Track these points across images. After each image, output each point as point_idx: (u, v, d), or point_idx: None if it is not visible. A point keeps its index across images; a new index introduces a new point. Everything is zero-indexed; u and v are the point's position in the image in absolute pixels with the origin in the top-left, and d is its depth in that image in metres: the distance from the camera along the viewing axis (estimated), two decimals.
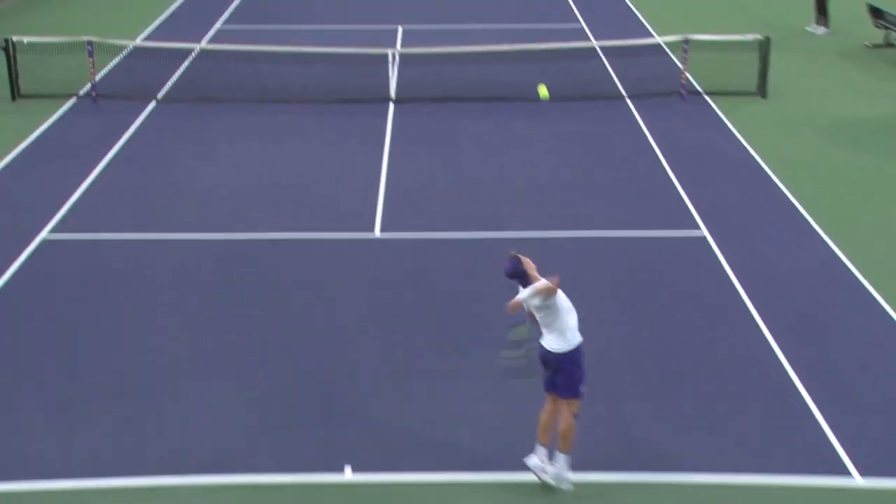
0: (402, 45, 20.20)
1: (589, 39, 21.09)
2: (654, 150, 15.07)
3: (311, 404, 8.80)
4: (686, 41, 17.65)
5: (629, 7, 24.55)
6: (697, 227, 12.40)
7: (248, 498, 7.66)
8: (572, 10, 24.19)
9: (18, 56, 16.94)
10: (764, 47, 17.41)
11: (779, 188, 13.60)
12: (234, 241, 11.95)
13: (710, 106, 17.08)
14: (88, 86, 17.08)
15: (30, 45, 17.28)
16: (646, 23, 22.84)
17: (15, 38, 17.06)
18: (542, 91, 8.04)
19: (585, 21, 22.98)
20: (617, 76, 18.63)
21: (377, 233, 12.26)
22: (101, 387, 9.01)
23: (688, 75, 17.63)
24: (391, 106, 16.90)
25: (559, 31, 21.85)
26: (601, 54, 19.54)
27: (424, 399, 8.93)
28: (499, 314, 10.24)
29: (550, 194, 13.46)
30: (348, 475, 7.88)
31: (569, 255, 11.69)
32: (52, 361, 9.39)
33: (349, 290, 10.87)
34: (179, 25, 22.11)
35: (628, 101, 17.32)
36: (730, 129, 15.94)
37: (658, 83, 17.89)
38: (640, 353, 9.71)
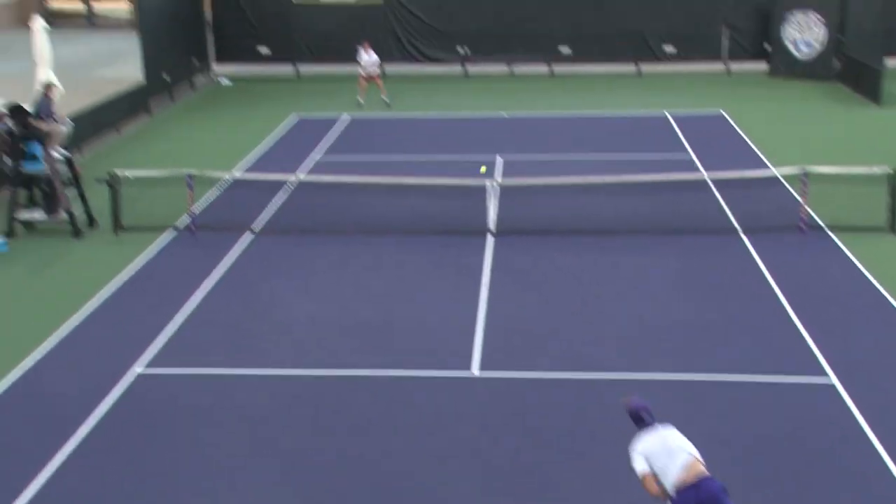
0: (502, 176, 20.63)
1: (698, 170, 21.17)
2: (772, 287, 14.87)
3: None
4: (805, 173, 17.55)
5: (742, 137, 24.60)
6: (825, 374, 12.12)
7: None
8: (680, 139, 24.38)
9: (121, 190, 17.87)
10: (893, 180, 17.12)
11: None
12: (327, 378, 12.22)
13: (833, 241, 16.78)
14: (187, 218, 17.90)
15: (132, 178, 18.20)
16: (760, 154, 22.79)
17: (118, 172, 18.04)
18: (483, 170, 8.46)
19: (695, 151, 23.08)
20: (730, 209, 18.55)
21: (475, 371, 12.37)
22: None
23: (808, 209, 17.45)
24: (489, 238, 17.20)
25: (666, 161, 21.98)
26: (712, 186, 19.53)
27: None
28: (610, 458, 10.24)
29: (659, 334, 13.40)
30: None
31: (674, 401, 11.52)
32: (139, 498, 9.65)
33: (446, 432, 10.94)
34: (278, 156, 23.09)
35: (742, 236, 17.17)
36: (857, 267, 15.62)
37: (775, 217, 17.73)
38: None
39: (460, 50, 33.63)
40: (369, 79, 28.68)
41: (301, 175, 20.37)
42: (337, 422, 11.20)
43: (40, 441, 10.74)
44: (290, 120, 27.18)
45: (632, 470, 7.84)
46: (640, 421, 7.72)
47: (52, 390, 11.97)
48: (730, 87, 31.37)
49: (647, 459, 7.59)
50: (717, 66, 33.64)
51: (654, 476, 7.70)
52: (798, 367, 12.37)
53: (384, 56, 33.13)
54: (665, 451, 7.62)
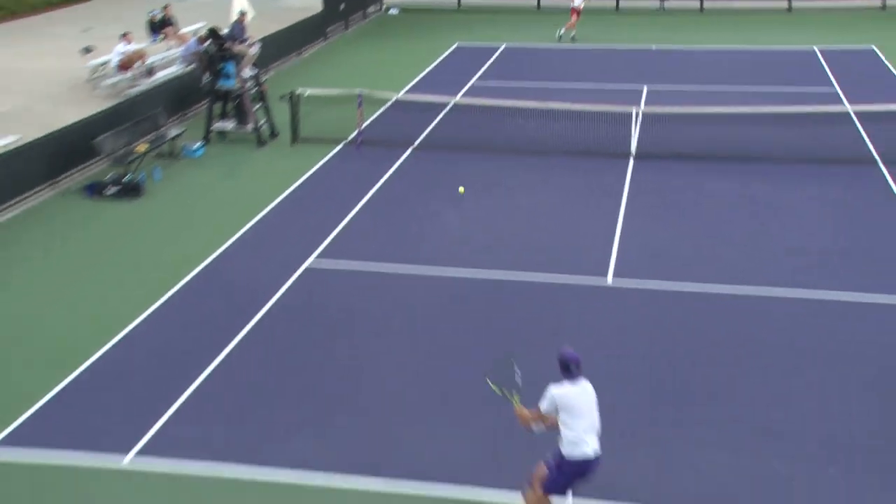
0: (647, 104, 20.37)
1: (842, 104, 20.35)
2: None
3: (534, 441, 9.22)
4: None
5: (891, 72, 23.41)
6: None
7: None
8: (827, 74, 23.37)
9: (299, 106, 18.57)
10: None
11: None
12: (475, 280, 12.59)
13: None
14: (355, 133, 18.50)
15: (310, 96, 18.82)
16: None
17: (298, 91, 18.74)
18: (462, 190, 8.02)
19: (840, 85, 22.12)
20: (871, 141, 17.79)
21: (609, 280, 12.56)
22: (344, 398, 9.89)
23: None
24: (631, 161, 17.14)
25: (811, 94, 21.18)
26: (855, 119, 18.79)
27: (650, 441, 9.12)
28: (732, 366, 10.32)
29: (788, 254, 13.20)
30: (569, 502, 8.18)
31: (801, 318, 11.46)
32: (307, 370, 10.40)
33: (580, 333, 11.17)
34: (439, 80, 23.38)
35: (882, 167, 16.57)
36: None
37: None
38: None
39: None
40: (576, 13, 27.96)
41: (458, 98, 20.59)
42: (480, 317, 11.60)
43: (228, 316, 11.59)
44: (451, 48, 27.38)
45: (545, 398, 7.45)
46: (568, 371, 7.38)
47: (238, 276, 12.80)
48: (885, 22, 29.60)
49: (558, 407, 7.31)
50: (871, 1, 31.74)
51: (544, 418, 7.48)
52: None
53: None
54: (578, 413, 7.30)
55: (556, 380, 10.02)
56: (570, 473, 7.43)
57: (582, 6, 27.92)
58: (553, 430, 7.45)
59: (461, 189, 8.21)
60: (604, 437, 9.02)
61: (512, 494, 8.16)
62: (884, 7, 31.59)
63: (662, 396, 9.88)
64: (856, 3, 31.73)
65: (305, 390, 10.03)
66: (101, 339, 11.07)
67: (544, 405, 7.40)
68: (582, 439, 7.33)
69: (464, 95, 21.42)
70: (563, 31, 28.12)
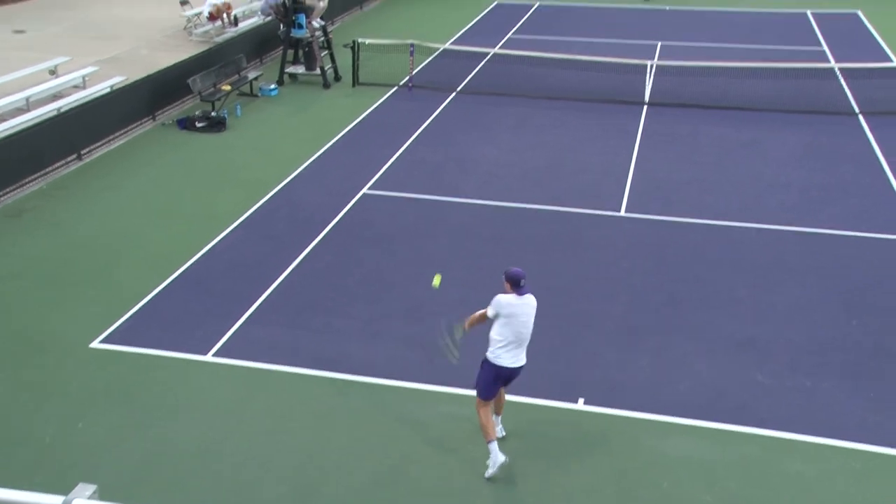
0: (660, 58, 19.47)
1: (829, 61, 19.34)
2: (880, 162, 13.67)
3: (554, 343, 8.87)
4: None
5: (872, 34, 22.19)
6: None
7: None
8: (817, 35, 22.20)
9: (360, 53, 17.95)
10: None
11: None
12: (505, 208, 12.16)
13: None
14: (407, 78, 17.85)
15: (369, 45, 18.18)
16: (887, 48, 20.55)
17: (359, 40, 18.08)
18: (436, 282, 7.39)
19: (828, 45, 21.03)
20: (853, 95, 16.94)
21: (623, 212, 12.03)
22: (398, 310, 9.57)
23: None
24: (644, 108, 16.40)
25: (802, 52, 20.22)
26: (839, 75, 17.86)
27: (651, 350, 8.75)
28: (724, 287, 9.86)
29: (777, 192, 12.59)
30: (580, 405, 7.91)
31: (784, 247, 10.94)
32: (363, 286, 10.07)
33: (597, 256, 10.79)
34: (481, 33, 22.54)
35: (860, 118, 15.74)
36: None
37: (893, 103, 16.10)
38: (851, 337, 8.95)
39: None
40: None
41: (497, 49, 19.84)
42: (512, 240, 11.20)
43: (295, 234, 11.28)
44: (492, 5, 26.31)
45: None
46: (517, 284, 6.86)
47: (304, 200, 12.44)
48: None
49: (501, 315, 6.81)
50: None
51: (480, 320, 7.03)
52: (894, 225, 11.42)
53: None
54: (513, 323, 6.79)
55: (570, 288, 9.79)
56: (489, 375, 6.95)
57: None
58: (476, 327, 7.10)
59: (436, 281, 7.60)
60: (613, 345, 8.73)
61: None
62: None
63: (664, 307, 9.48)
64: None
65: (359, 301, 9.71)
66: (189, 251, 10.81)
67: (490, 310, 6.92)
68: (502, 350, 6.85)
69: (501, 47, 20.64)
70: None
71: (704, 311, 9.49)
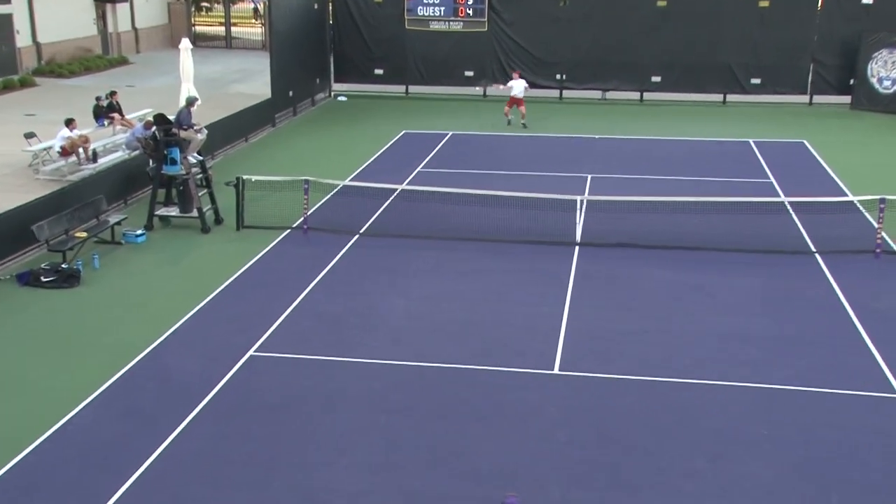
0: (591, 192, 20.53)
1: (778, 195, 20.77)
2: (844, 307, 14.50)
3: None
4: (883, 201, 17.01)
5: (822, 166, 24.00)
6: (893, 391, 11.80)
7: None
8: (762, 166, 23.90)
9: (245, 192, 18.36)
10: None
11: None
12: (418, 368, 12.33)
13: None
14: (301, 220, 18.28)
15: (256, 182, 18.65)
16: (839, 181, 22.24)
17: (244, 177, 18.54)
18: None
19: (776, 177, 22.62)
20: (807, 232, 18.11)
21: (556, 369, 12.35)
22: (290, 488, 9.43)
23: (883, 234, 16.97)
24: (576, 249, 17.13)
25: (748, 185, 21.66)
26: (790, 210, 19.15)
27: None
28: (681, 459, 10.12)
29: (731, 344, 13.17)
30: None
31: (745, 408, 11.37)
32: (248, 471, 9.92)
33: (528, 424, 10.95)
34: (385, 167, 23.37)
35: (818, 257, 16.78)
36: None
37: (851, 241, 17.27)
38: None
39: (557, 76, 33.58)
40: (514, 103, 28.54)
41: (404, 185, 20.56)
42: (425, 409, 11.30)
43: (167, 409, 11.12)
44: (398, 135, 27.51)
45: None
46: None
47: (179, 366, 12.36)
48: (813, 118, 30.62)
49: None
50: (800, 98, 32.86)
51: None
52: (867, 383, 12.01)
53: (483, 79, 33.48)
54: None
55: (497, 470, 9.86)
56: None
57: (522, 96, 28.39)
58: None
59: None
60: None
61: None
62: (810, 103, 32.71)
63: (610, 489, 9.61)
64: (785, 98, 32.79)
65: (249, 484, 9.54)
66: (27, 437, 10.48)
67: None
68: None
69: (410, 182, 21.45)
70: (518, 118, 28.55)
71: (657, 490, 9.64)
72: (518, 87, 28.44)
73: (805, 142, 26.71)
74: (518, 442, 10.55)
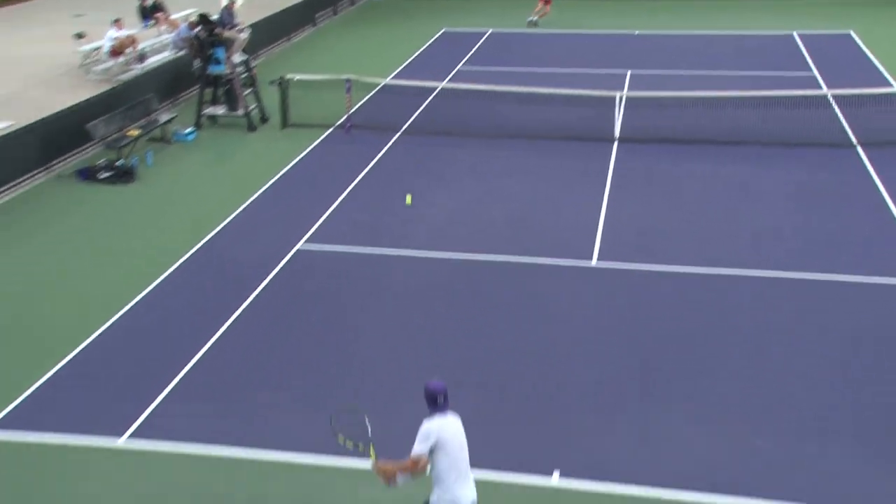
0: (630, 88, 20.30)
1: (820, 87, 20.34)
2: (883, 198, 14.35)
3: (525, 412, 9.20)
4: None
5: (868, 57, 23.35)
6: None
7: None
8: (805, 58, 23.33)
9: (290, 91, 18.41)
10: None
11: None
12: (460, 261, 12.55)
13: None
14: (344, 118, 18.36)
15: (299, 81, 18.67)
16: (885, 72, 21.64)
17: (287, 76, 18.58)
18: (409, 200, 7.44)
19: (819, 69, 22.09)
20: (849, 124, 17.80)
21: (595, 261, 12.51)
22: (338, 379, 9.83)
23: None
24: (615, 145, 17.06)
25: (790, 78, 21.19)
26: (832, 102, 18.76)
27: (632, 417, 9.10)
28: (712, 344, 10.32)
29: (768, 236, 13.17)
30: (556, 480, 8.18)
31: (780, 297, 11.45)
32: (297, 351, 10.32)
33: (566, 312, 11.17)
34: (426, 65, 23.23)
35: (859, 150, 16.53)
36: None
37: (894, 133, 16.91)
38: (856, 394, 9.46)
39: None
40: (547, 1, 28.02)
41: (445, 83, 20.46)
42: (466, 298, 11.55)
43: (220, 298, 11.52)
44: (438, 33, 27.19)
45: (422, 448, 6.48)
46: (435, 403, 6.53)
47: (229, 259, 12.71)
48: (860, 8, 29.49)
49: (437, 443, 6.45)
50: None
51: (417, 462, 6.50)
52: None
53: None
54: (459, 454, 6.55)
55: (540, 351, 10.13)
56: None
57: None
58: (419, 475, 6.60)
59: (408, 199, 7.80)
60: (591, 415, 9.08)
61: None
62: None
63: (645, 373, 9.85)
64: None
65: (294, 371, 9.96)
66: (94, 322, 10.98)
67: (422, 446, 6.46)
68: (456, 486, 6.52)
69: (450, 80, 21.30)
70: (535, 17, 28.05)
71: (690, 372, 9.88)
72: None
73: (852, 32, 25.93)
74: (556, 329, 10.79)
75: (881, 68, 22.14)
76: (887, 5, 29.64)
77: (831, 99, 18.86)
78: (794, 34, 26.01)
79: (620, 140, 17.25)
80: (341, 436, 6.78)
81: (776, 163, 16.06)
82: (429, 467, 6.58)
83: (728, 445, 8.65)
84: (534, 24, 28.04)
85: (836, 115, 18.40)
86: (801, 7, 29.98)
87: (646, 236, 13.25)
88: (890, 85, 20.20)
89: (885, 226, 13.51)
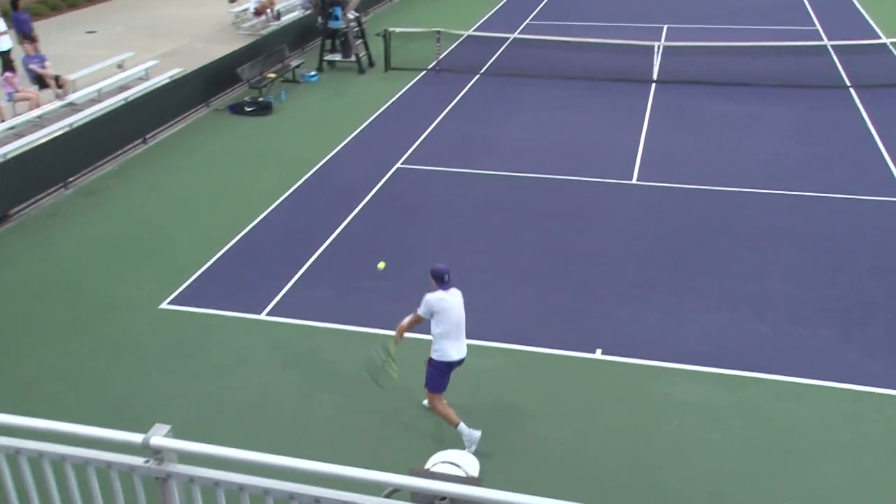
0: (666, 39, 19.03)
1: (822, 39, 18.80)
2: (870, 131, 13.30)
3: (575, 301, 8.81)
4: None
5: (861, 14, 21.50)
6: None
7: (515, 360, 7.85)
8: (810, 15, 21.55)
9: (392, 41, 17.75)
10: None
11: None
12: (526, 179, 12.04)
13: None
14: (435, 63, 17.64)
15: (399, 34, 17.98)
16: (875, 27, 19.91)
17: (390, 29, 17.87)
18: (381, 266, 6.91)
19: (820, 24, 20.41)
20: (844, 70, 16.46)
21: (634, 180, 11.85)
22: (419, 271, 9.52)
23: None
24: (653, 86, 16.06)
25: (797, 31, 19.66)
26: (831, 51, 17.37)
27: (661, 306, 8.65)
28: (729, 248, 9.69)
29: (776, 161, 12.31)
30: (598, 355, 7.85)
31: (784, 210, 10.73)
32: (398, 253, 10.03)
33: (611, 221, 10.66)
34: (501, 20, 22.17)
35: (852, 91, 15.30)
36: None
37: (881, 77, 15.66)
38: (837, 289, 8.78)
39: None
40: None
41: (516, 34, 19.50)
42: (532, 209, 11.08)
43: (337, 205, 11.26)
44: None
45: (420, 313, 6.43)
46: (442, 280, 6.33)
47: (344, 174, 12.40)
48: None
49: (434, 311, 6.33)
50: None
51: (412, 324, 6.56)
52: (882, 189, 11.19)
53: None
54: (447, 318, 6.35)
55: (587, 252, 9.68)
56: (438, 372, 6.52)
57: None
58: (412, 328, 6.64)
59: (381, 265, 7.29)
60: (627, 306, 8.63)
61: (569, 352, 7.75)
62: None
63: (672, 272, 9.33)
64: None
65: (392, 265, 9.68)
66: (242, 223, 10.86)
67: (422, 310, 6.44)
68: (447, 344, 6.42)
69: (520, 32, 20.30)
70: None
71: (709, 270, 9.35)
72: None
73: None
74: (603, 234, 10.30)
75: (872, 23, 20.38)
76: None
77: (830, 48, 17.48)
78: None
79: (658, 82, 16.22)
80: (384, 366, 6.82)
81: (784, 100, 14.97)
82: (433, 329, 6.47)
83: (735, 329, 8.16)
84: None
85: (834, 61, 17.01)
86: None
87: (676, 160, 12.50)
88: (879, 37, 18.62)
89: (869, 151, 12.57)
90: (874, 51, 16.81)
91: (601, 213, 10.88)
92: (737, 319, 8.33)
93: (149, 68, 16.40)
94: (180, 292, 9.18)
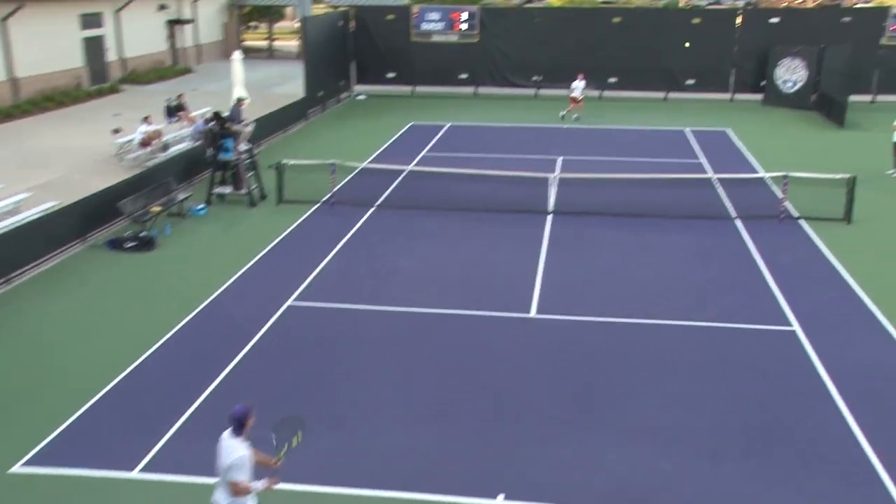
0: (562, 171, 20.30)
1: (706, 172, 20.60)
2: (755, 260, 14.45)
3: (472, 441, 8.85)
4: (786, 177, 16.97)
5: (740, 149, 23.78)
6: (790, 324, 11.79)
7: None
8: (694, 149, 23.67)
9: (284, 174, 18.16)
10: (851, 184, 16.54)
11: (858, 295, 12.81)
12: (425, 314, 12.25)
13: (803, 227, 16.25)
14: (329, 195, 18.10)
15: (292, 166, 18.42)
16: (754, 161, 22.03)
17: (283, 161, 18.32)
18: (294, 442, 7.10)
19: (705, 157, 22.42)
20: (728, 201, 18.03)
21: (533, 313, 12.28)
22: (323, 418, 9.40)
23: (786, 203, 16.88)
24: (549, 217, 16.99)
25: (683, 164, 21.46)
26: (716, 184, 19.02)
27: (563, 445, 8.80)
28: (630, 381, 10.08)
29: (671, 290, 13.10)
30: (500, 501, 7.83)
31: (681, 341, 11.34)
32: (290, 397, 9.87)
33: (511, 357, 10.90)
34: (397, 151, 23.05)
35: (737, 222, 16.69)
36: (819, 246, 15.15)
37: (761, 208, 17.19)
38: (737, 422, 9.24)
39: (535, 77, 33.16)
40: (575, 101, 27.69)
41: (411, 166, 20.36)
42: (429, 346, 11.24)
43: (221, 349, 11.06)
44: (407, 126, 27.17)
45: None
46: (241, 427, 6.20)
47: (232, 314, 12.28)
48: (733, 111, 30.13)
49: (242, 470, 6.26)
50: (724, 96, 32.44)
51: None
52: (771, 318, 12.02)
53: (478, 81, 33.10)
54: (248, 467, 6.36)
55: (489, 387, 9.81)
56: None
57: (581, 97, 27.68)
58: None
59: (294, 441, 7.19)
60: (532, 444, 8.74)
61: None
62: (732, 100, 32.32)
63: (575, 408, 9.57)
64: (713, 95, 32.40)
65: (286, 410, 9.49)
66: (117, 368, 10.46)
67: (245, 478, 6.30)
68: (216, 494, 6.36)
69: (416, 164, 21.17)
70: (565, 112, 27.96)
71: (612, 403, 9.63)
72: (578, 87, 27.55)
73: (728, 130, 26.39)
74: (504, 371, 10.50)
75: (750, 157, 22.50)
76: (753, 111, 30.32)
77: (715, 181, 19.14)
78: (686, 130, 26.39)
79: (554, 212, 17.18)
80: (293, 440, 6.54)
81: (675, 230, 16.11)
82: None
83: (639, 465, 8.37)
84: (574, 119, 27.70)
85: (719, 193, 18.60)
86: (691, 110, 30.52)
87: (575, 291, 13.08)
88: (756, 171, 20.58)
89: (754, 279, 13.58)
90: (754, 184, 18.52)
91: (501, 348, 11.15)
92: (640, 455, 8.56)
93: (19, 201, 16.04)
94: (39, 450, 8.64)
